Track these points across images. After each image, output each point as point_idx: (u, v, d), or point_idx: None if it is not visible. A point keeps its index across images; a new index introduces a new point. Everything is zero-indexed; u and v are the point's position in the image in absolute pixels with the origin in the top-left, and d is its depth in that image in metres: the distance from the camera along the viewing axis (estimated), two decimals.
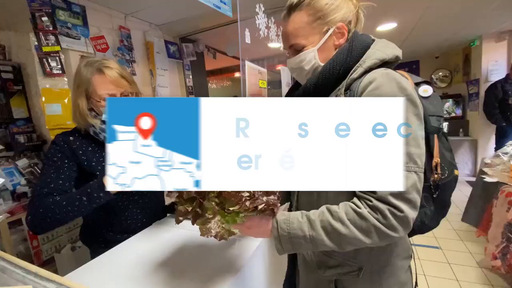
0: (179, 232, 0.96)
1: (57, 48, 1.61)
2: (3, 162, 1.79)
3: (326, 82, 0.64)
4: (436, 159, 0.66)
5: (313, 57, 0.67)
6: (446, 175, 0.67)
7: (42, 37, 1.57)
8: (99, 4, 1.90)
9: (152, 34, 2.39)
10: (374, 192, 0.52)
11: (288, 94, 0.78)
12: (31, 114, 2.01)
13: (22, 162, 1.84)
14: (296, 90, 0.72)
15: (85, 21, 1.81)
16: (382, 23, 2.88)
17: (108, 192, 0.76)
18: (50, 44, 1.59)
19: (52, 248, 1.74)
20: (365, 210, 0.52)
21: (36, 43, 1.56)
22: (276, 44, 1.33)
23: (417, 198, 0.52)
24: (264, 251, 0.92)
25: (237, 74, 5.17)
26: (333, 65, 0.63)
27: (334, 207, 0.56)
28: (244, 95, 1.03)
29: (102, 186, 0.78)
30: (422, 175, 0.54)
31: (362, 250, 0.62)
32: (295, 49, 0.68)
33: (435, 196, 0.67)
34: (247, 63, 1.05)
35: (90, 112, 0.89)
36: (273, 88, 1.67)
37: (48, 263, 1.74)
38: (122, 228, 0.97)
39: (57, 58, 1.62)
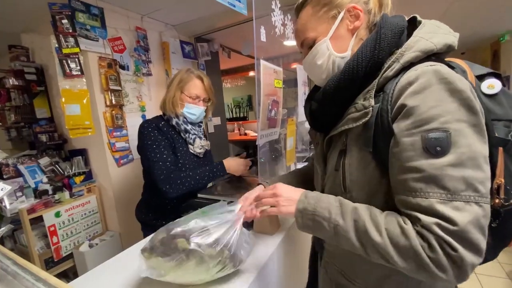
0: None
1: (77, 49, 1.65)
2: (26, 160, 1.86)
3: (350, 84, 0.53)
4: (499, 179, 0.50)
5: (325, 48, 0.58)
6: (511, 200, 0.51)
7: (62, 39, 1.61)
8: (117, 6, 1.93)
9: (167, 34, 2.41)
10: (419, 219, 0.42)
11: (308, 99, 0.68)
12: (53, 114, 2.08)
13: (44, 161, 1.91)
14: (316, 93, 0.63)
15: (103, 23, 1.84)
16: None
17: (226, 172, 1.15)
18: (69, 46, 1.63)
19: (71, 244, 1.79)
20: (411, 228, 0.42)
21: (57, 45, 1.60)
22: (292, 42, 1.29)
23: (479, 238, 0.39)
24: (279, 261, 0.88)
25: (251, 73, 5.14)
26: (358, 62, 0.51)
27: (374, 208, 0.48)
28: (259, 96, 1.00)
29: (224, 168, 1.18)
30: (487, 207, 0.40)
31: (390, 282, 0.55)
32: (307, 46, 0.62)
33: (494, 225, 0.52)
34: (262, 62, 1.01)
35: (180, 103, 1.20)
36: (288, 87, 1.62)
37: (67, 259, 1.79)
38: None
39: (76, 59, 1.66)
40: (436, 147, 0.41)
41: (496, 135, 0.49)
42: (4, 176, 1.72)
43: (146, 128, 1.15)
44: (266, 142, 1.20)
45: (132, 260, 0.83)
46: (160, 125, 1.18)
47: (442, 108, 0.42)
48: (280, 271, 0.90)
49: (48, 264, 1.72)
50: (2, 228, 0.42)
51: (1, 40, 2.00)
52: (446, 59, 0.56)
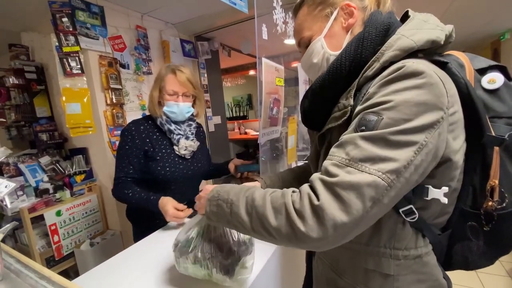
0: None
1: (77, 48, 1.64)
2: (27, 159, 1.86)
3: (334, 84, 0.52)
4: (493, 180, 0.47)
5: (320, 47, 0.58)
6: (505, 203, 0.48)
7: (63, 37, 1.60)
8: (117, 4, 1.92)
9: (168, 33, 2.40)
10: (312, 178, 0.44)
11: (304, 97, 0.67)
12: (53, 113, 2.08)
13: (45, 160, 1.91)
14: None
15: (103, 21, 1.83)
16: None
17: (158, 210, 1.02)
18: (70, 45, 1.62)
19: (72, 243, 1.79)
20: (290, 190, 0.45)
21: (57, 43, 1.59)
22: (293, 41, 1.28)
23: (352, 200, 0.37)
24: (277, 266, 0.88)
25: (251, 72, 5.14)
26: (341, 62, 0.51)
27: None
28: (261, 94, 1.00)
29: (157, 205, 1.03)
30: (384, 188, 0.38)
31: (376, 277, 0.54)
32: (304, 45, 0.62)
33: (486, 229, 0.50)
34: (264, 60, 1.01)
35: (159, 104, 1.14)
36: (289, 86, 1.62)
37: (68, 258, 1.79)
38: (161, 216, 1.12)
39: (77, 58, 1.65)
40: (362, 126, 0.42)
41: (493, 133, 0.46)
42: (5, 175, 1.72)
43: (124, 132, 1.14)
44: (267, 141, 1.20)
45: (133, 259, 0.83)
46: (142, 127, 1.14)
47: (391, 98, 0.41)
48: (282, 267, 0.90)
49: (49, 263, 1.72)
50: (7, 225, 0.42)
51: (1, 39, 2.00)
52: (446, 53, 0.54)
